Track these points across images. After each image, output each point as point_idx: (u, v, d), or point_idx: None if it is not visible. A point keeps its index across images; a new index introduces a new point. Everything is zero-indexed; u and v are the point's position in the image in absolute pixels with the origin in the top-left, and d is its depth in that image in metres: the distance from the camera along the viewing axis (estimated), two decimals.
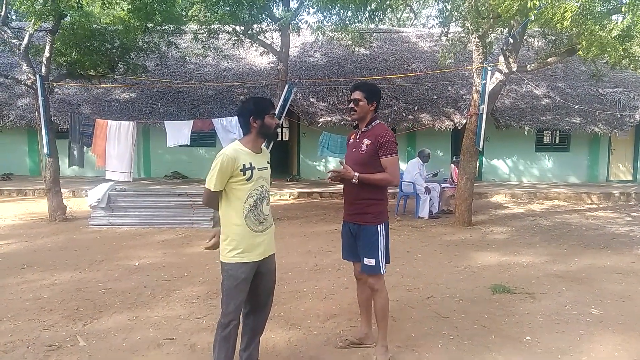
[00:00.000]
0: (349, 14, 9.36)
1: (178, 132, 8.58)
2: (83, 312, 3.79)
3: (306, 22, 10.96)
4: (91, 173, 13.07)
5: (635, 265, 5.40)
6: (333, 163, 13.27)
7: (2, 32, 7.79)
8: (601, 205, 10.57)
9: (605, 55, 6.64)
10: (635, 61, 7.52)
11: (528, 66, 8.02)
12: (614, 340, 3.36)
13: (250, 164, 2.51)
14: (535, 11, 5.75)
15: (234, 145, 2.56)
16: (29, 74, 7.75)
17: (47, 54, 7.77)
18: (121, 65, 9.91)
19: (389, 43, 16.34)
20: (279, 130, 13.12)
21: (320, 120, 12.48)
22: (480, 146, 7.56)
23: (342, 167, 2.91)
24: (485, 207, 9.82)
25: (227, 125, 8.35)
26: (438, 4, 10.68)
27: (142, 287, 4.43)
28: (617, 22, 5.92)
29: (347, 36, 11.30)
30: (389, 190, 3.34)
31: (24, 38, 7.65)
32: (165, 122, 8.89)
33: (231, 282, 2.50)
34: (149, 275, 4.83)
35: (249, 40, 10.48)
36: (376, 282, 2.96)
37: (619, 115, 12.85)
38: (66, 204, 8.15)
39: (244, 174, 2.48)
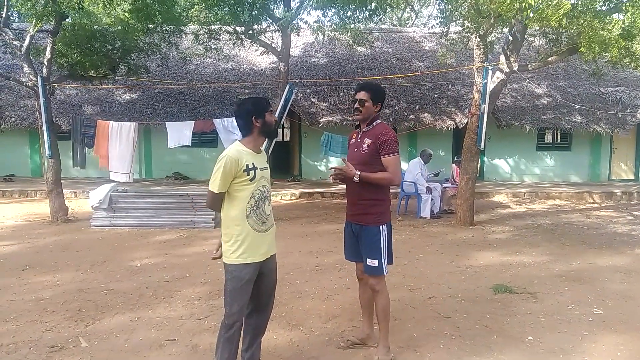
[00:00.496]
0: (349, 13, 9.36)
1: (179, 132, 8.60)
2: (85, 313, 3.80)
3: (306, 22, 10.95)
4: (95, 174, 13.08)
5: (638, 264, 5.39)
6: (334, 163, 13.26)
7: (3, 34, 7.80)
8: (603, 205, 10.55)
9: (607, 54, 6.62)
10: (636, 60, 7.49)
11: (529, 65, 8.02)
12: (616, 340, 3.35)
13: (253, 164, 2.52)
14: (529, 11, 5.75)
15: (235, 146, 2.56)
16: (30, 76, 7.76)
17: (48, 55, 7.78)
18: (122, 66, 9.92)
19: (390, 43, 16.33)
20: (279, 128, 13.12)
21: (322, 120, 12.48)
22: (482, 146, 7.56)
23: (344, 165, 2.91)
24: (487, 207, 9.81)
25: (229, 126, 8.36)
26: (439, 4, 10.68)
27: (144, 288, 4.44)
28: (619, 20, 5.91)
29: (347, 35, 11.31)
30: (391, 191, 3.34)
31: (25, 39, 7.66)
32: (166, 122, 8.90)
33: (235, 284, 2.50)
34: (150, 276, 4.84)
35: (250, 41, 10.49)
36: (377, 283, 2.95)
37: (620, 114, 12.83)
38: (68, 205, 8.16)
39: (248, 174, 2.48)
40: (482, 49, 7.66)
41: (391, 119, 12.61)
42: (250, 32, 9.91)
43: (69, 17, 8.24)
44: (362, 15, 9.47)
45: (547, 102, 13.63)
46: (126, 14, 8.58)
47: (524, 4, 5.63)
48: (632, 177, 14.40)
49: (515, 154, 14.16)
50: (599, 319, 3.75)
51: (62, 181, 8.04)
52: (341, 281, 4.67)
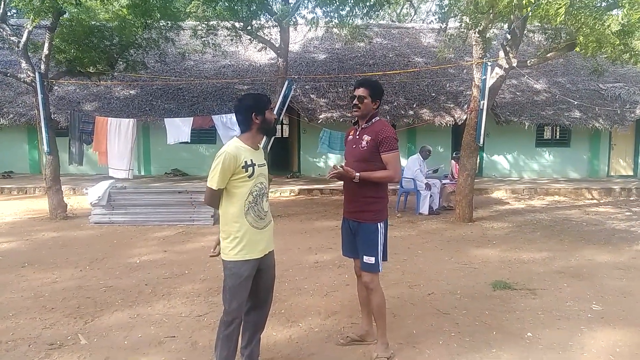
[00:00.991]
0: (347, 8, 9.33)
1: (178, 129, 8.58)
2: (84, 310, 3.80)
3: (304, 17, 10.89)
4: (93, 171, 13.07)
5: (636, 260, 5.40)
6: (333, 159, 13.27)
7: (1, 30, 7.76)
8: (602, 201, 10.57)
9: (604, 50, 6.61)
10: (635, 56, 7.47)
11: (528, 61, 7.99)
12: (615, 336, 3.36)
13: (251, 160, 2.51)
14: (529, 8, 5.73)
15: (234, 143, 2.55)
16: (28, 72, 7.73)
17: (46, 51, 7.75)
18: (120, 62, 9.88)
19: (389, 38, 16.30)
20: (278, 126, 13.08)
21: (321, 116, 12.46)
22: (481, 142, 7.55)
23: (343, 165, 2.90)
24: (486, 203, 9.82)
25: (227, 122, 8.34)
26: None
27: (143, 285, 4.44)
28: (616, 17, 5.89)
29: (345, 30, 11.27)
30: (390, 187, 3.33)
31: (22, 35, 7.62)
32: (165, 119, 8.88)
33: (234, 280, 2.50)
34: (149, 272, 4.84)
35: (248, 37, 10.44)
36: (371, 281, 2.95)
37: (619, 110, 12.83)
38: (67, 202, 8.15)
39: (246, 171, 2.48)
40: (481, 45, 7.64)
41: (390, 116, 12.60)
42: (249, 27, 9.86)
43: (67, 13, 8.19)
44: (361, 11, 9.43)
45: (546, 98, 13.62)
46: (124, 10, 8.53)
47: (523, 1, 5.61)
48: (630, 173, 14.42)
49: (514, 150, 14.17)
50: (598, 315, 3.75)
51: (60, 178, 8.03)
52: (340, 278, 4.67)
